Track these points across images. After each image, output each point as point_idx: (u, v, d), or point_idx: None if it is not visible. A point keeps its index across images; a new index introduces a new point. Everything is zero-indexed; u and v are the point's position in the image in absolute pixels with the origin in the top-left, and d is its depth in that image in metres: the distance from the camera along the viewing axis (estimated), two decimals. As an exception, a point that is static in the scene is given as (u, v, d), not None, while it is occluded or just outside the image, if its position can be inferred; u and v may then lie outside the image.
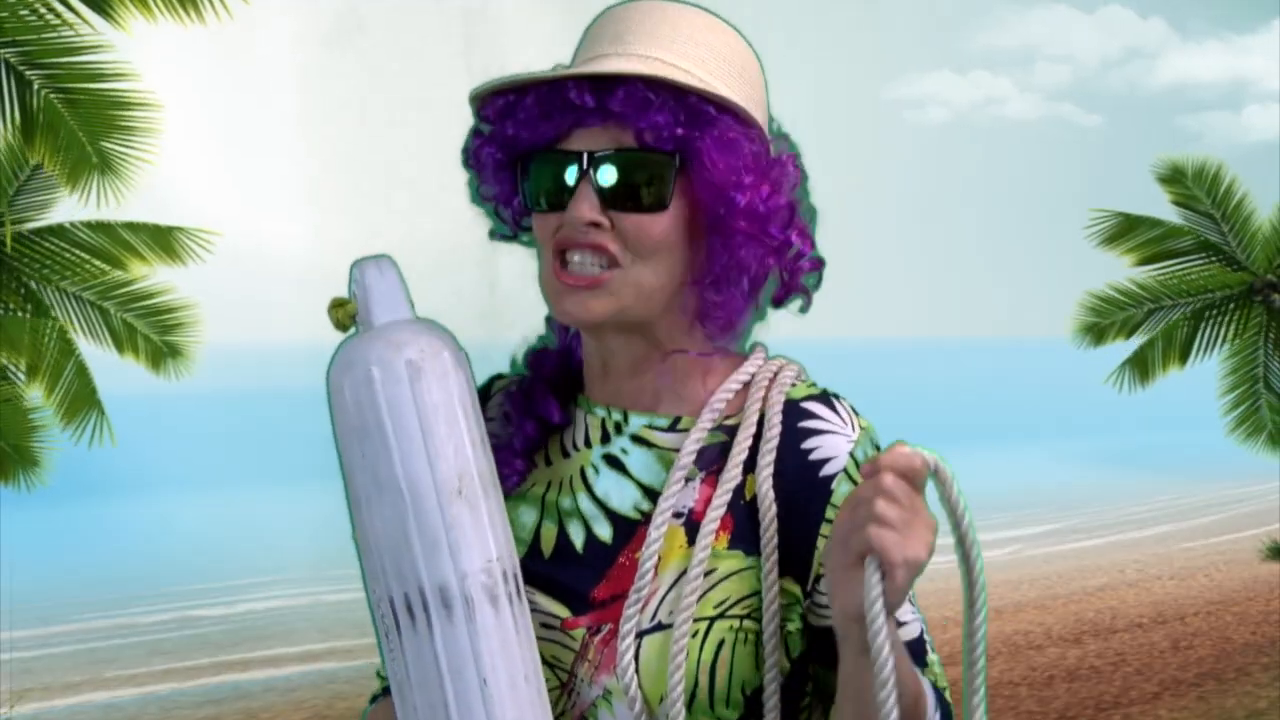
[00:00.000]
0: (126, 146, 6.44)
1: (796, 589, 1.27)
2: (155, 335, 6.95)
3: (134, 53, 6.53)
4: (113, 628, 9.44)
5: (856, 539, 1.10)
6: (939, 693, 1.27)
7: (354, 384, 1.16)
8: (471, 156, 1.33)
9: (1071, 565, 11.28)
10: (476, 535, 1.17)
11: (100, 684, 8.05)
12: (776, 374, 1.33)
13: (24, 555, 7.30)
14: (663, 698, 1.24)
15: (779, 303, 1.35)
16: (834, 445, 1.27)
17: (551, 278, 1.26)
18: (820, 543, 1.26)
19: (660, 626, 1.25)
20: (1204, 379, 8.61)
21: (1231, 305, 8.47)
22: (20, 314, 6.73)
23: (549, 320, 1.44)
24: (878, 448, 1.30)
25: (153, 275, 6.96)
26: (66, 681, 8.08)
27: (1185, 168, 8.48)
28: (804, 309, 1.36)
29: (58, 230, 6.85)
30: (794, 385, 1.32)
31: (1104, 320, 8.49)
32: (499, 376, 1.46)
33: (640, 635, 1.25)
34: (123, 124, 6.42)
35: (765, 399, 1.31)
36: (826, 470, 1.27)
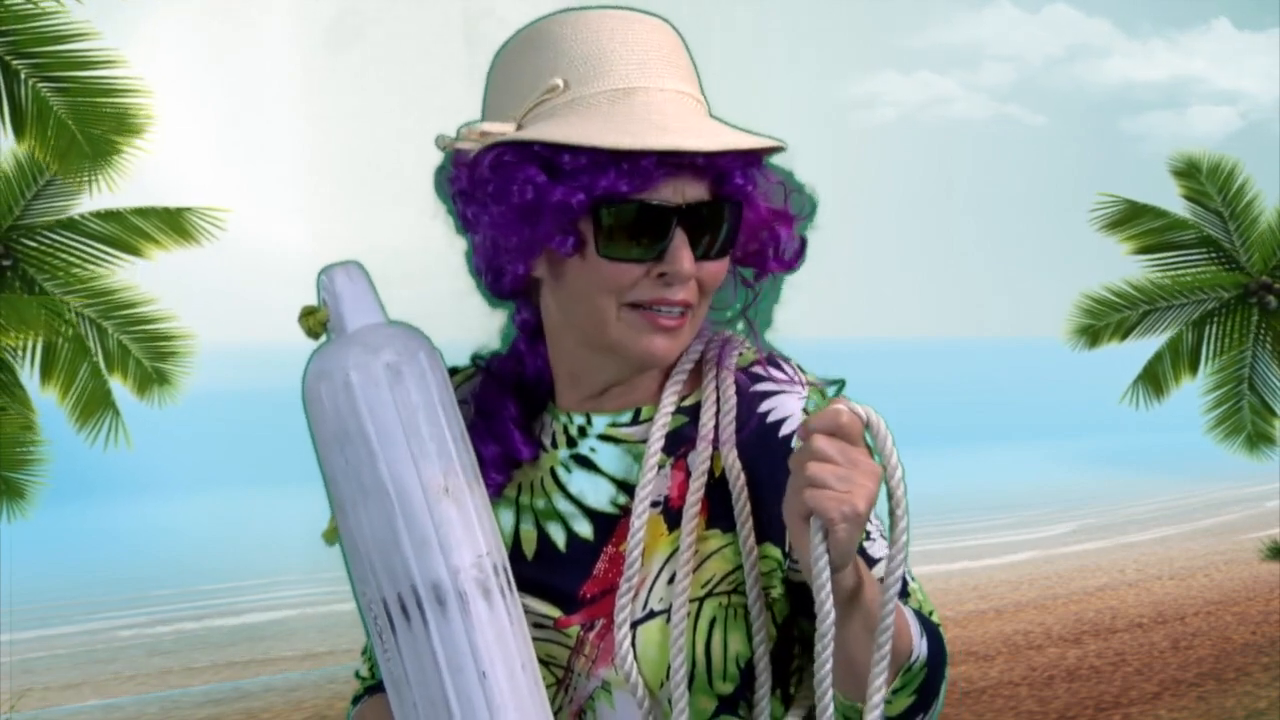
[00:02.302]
0: (116, 133, 6.45)
1: (776, 552, 1.30)
2: (147, 360, 6.95)
3: (135, 54, 6.53)
4: (113, 628, 9.44)
5: (795, 503, 1.14)
6: (923, 617, 1.29)
7: (332, 391, 1.17)
8: (528, 198, 1.26)
9: (1072, 565, 11.29)
10: (465, 531, 1.18)
11: (100, 684, 8.05)
12: (724, 347, 1.35)
13: (24, 556, 7.31)
14: (663, 682, 1.27)
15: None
16: (786, 404, 1.31)
17: (632, 316, 1.26)
18: None
19: (652, 614, 1.28)
20: (1204, 381, 8.63)
21: (1230, 307, 8.47)
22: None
23: (472, 358, 1.43)
24: (826, 398, 1.33)
25: (154, 300, 6.96)
26: (66, 681, 8.08)
27: (1200, 162, 8.48)
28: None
29: (69, 224, 6.85)
30: (741, 354, 1.35)
31: (1099, 322, 8.49)
32: (453, 371, 1.45)
33: (634, 625, 1.27)
34: (112, 111, 6.42)
35: (718, 373, 1.33)
36: (785, 430, 1.30)
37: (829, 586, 1.15)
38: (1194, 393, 8.65)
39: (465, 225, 1.36)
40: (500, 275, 1.33)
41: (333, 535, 1.24)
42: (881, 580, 1.19)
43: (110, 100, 6.40)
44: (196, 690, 7.84)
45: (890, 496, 1.17)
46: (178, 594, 10.25)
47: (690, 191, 1.26)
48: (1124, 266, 8.57)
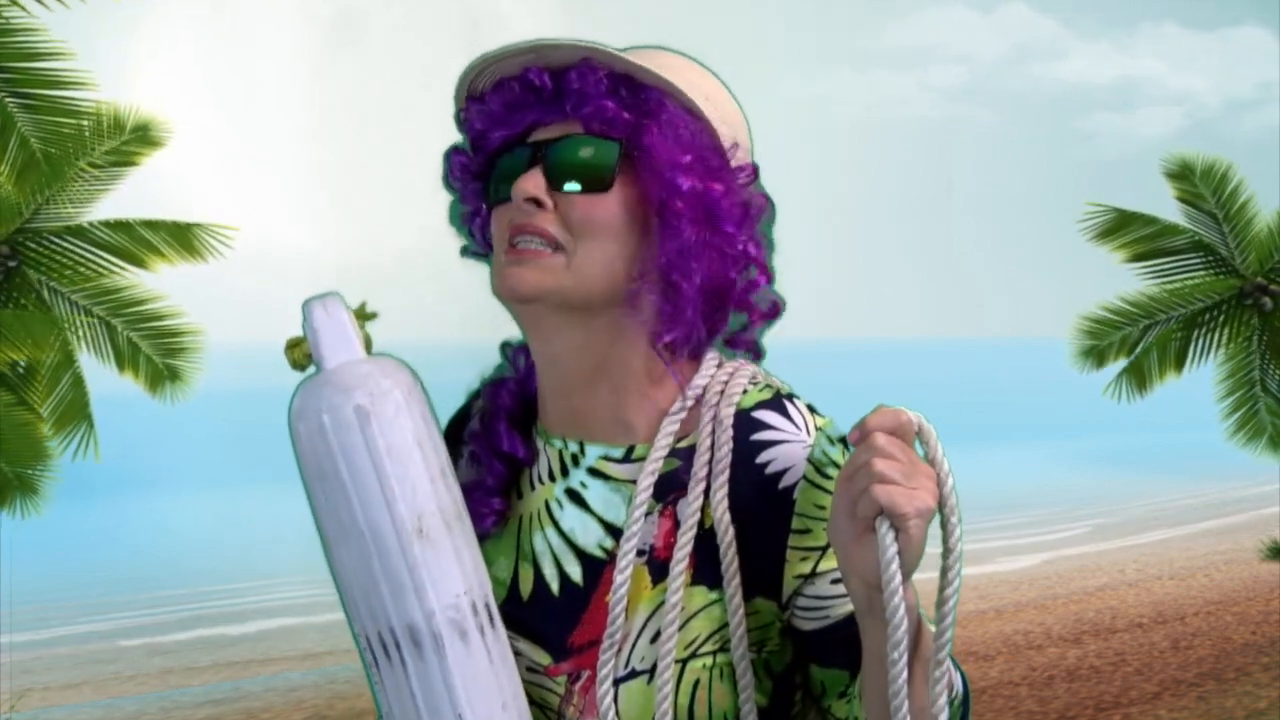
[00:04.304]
0: (76, 154, 6.45)
1: (770, 605, 1.26)
2: (158, 357, 6.95)
3: (136, 51, 6.53)
4: (113, 629, 9.43)
5: (863, 503, 1.09)
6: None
7: (309, 431, 1.17)
8: (449, 170, 1.34)
9: (1072, 565, 11.27)
10: (441, 572, 1.17)
11: (100, 684, 8.04)
12: (727, 383, 1.31)
13: (24, 556, 7.30)
14: None
15: (734, 343, 1.35)
16: (789, 454, 1.25)
17: (498, 254, 1.27)
18: (789, 554, 1.25)
19: (635, 674, 1.25)
20: (1204, 381, 8.61)
21: (1224, 310, 8.47)
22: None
23: (504, 349, 1.43)
24: (843, 441, 1.28)
25: (162, 297, 6.96)
26: (66, 681, 8.07)
27: (1194, 165, 8.46)
28: (754, 351, 1.35)
29: (76, 230, 6.85)
30: (745, 392, 1.30)
31: (1102, 342, 8.49)
32: (477, 396, 1.45)
33: (617, 683, 1.25)
34: (76, 131, 6.43)
35: (716, 416, 1.28)
36: (785, 482, 1.25)
37: (901, 591, 1.10)
38: (1193, 393, 8.64)
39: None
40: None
41: None
42: (940, 621, 1.15)
43: (75, 121, 6.41)
44: (196, 690, 7.83)
45: (943, 504, 1.14)
46: (178, 595, 10.24)
47: (554, 132, 1.26)
48: (1116, 264, 8.57)
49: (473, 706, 1.16)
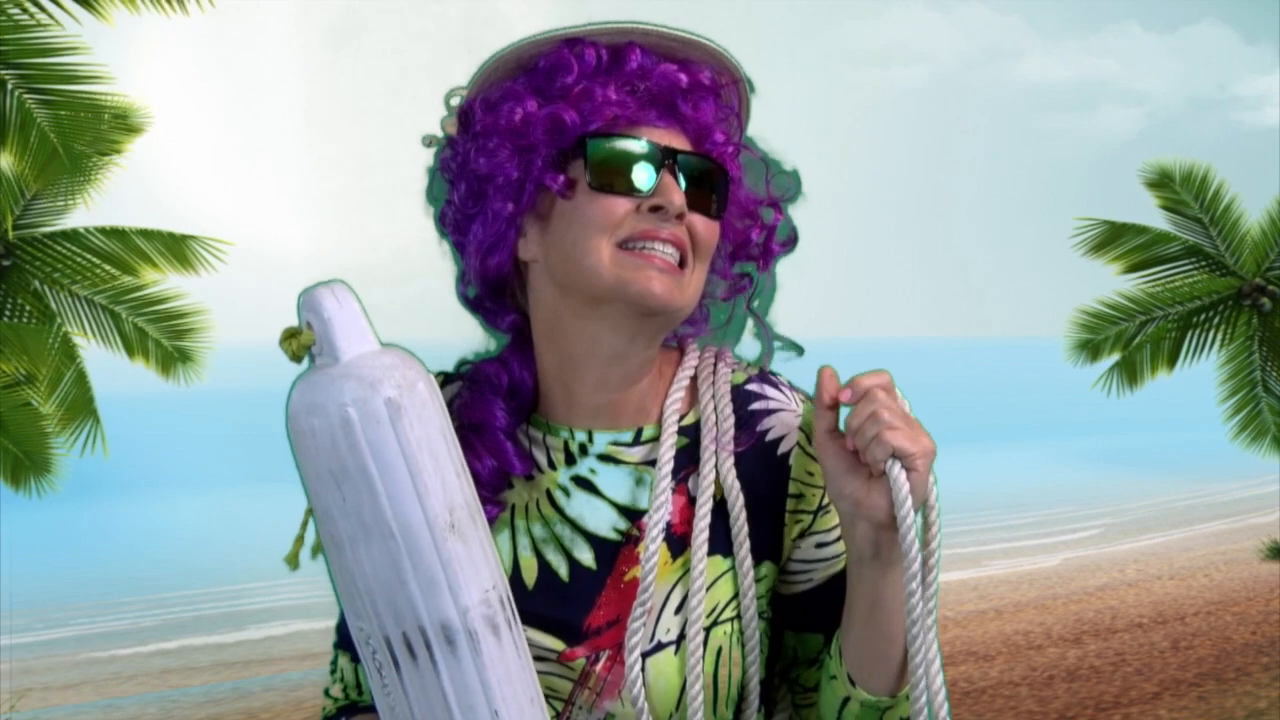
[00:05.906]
0: (97, 149, 6.43)
1: (776, 570, 1.30)
2: (166, 341, 6.94)
3: (135, 59, 6.53)
4: (113, 629, 9.43)
5: (875, 449, 1.14)
6: None
7: (328, 427, 1.09)
8: (515, 120, 1.26)
9: (1072, 565, 11.27)
10: (472, 567, 1.13)
11: (100, 684, 8.04)
12: (716, 363, 1.35)
13: (24, 555, 7.30)
14: (671, 714, 1.25)
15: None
16: (785, 422, 1.31)
17: (626, 257, 1.24)
18: (787, 518, 1.28)
19: (661, 645, 1.26)
20: (1204, 381, 8.61)
21: (1220, 310, 8.47)
22: (32, 321, 6.73)
23: (460, 366, 1.41)
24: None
25: (164, 281, 6.95)
26: (66, 681, 8.07)
27: (1173, 171, 8.46)
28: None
29: (71, 235, 6.84)
30: (734, 371, 1.35)
31: (1098, 336, 8.49)
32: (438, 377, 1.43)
33: (644, 656, 1.25)
34: (96, 126, 6.41)
35: (714, 391, 1.33)
36: (783, 448, 1.30)
37: (915, 528, 1.15)
38: (1192, 393, 8.65)
39: (458, 210, 1.34)
40: (489, 253, 1.30)
41: (295, 560, 1.17)
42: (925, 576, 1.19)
43: (94, 116, 6.39)
44: (196, 690, 7.83)
45: None
46: (179, 597, 10.24)
47: (671, 141, 1.27)
48: (1113, 275, 8.59)
49: (506, 702, 1.13)
